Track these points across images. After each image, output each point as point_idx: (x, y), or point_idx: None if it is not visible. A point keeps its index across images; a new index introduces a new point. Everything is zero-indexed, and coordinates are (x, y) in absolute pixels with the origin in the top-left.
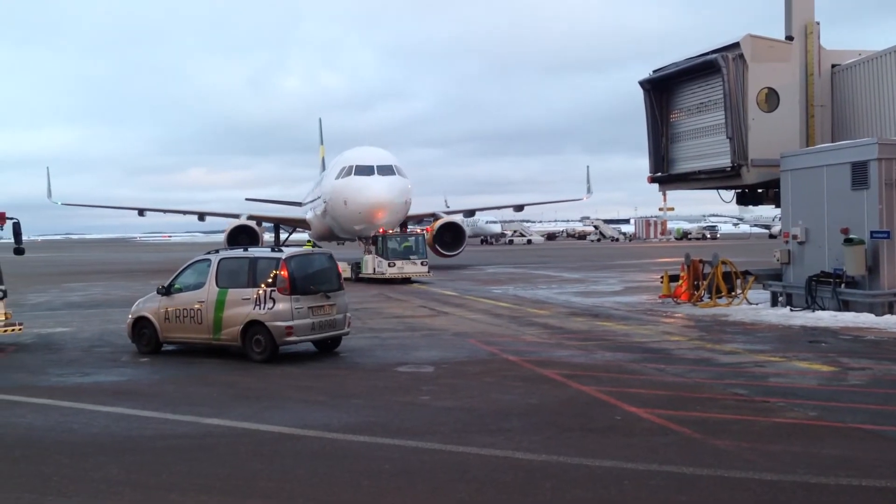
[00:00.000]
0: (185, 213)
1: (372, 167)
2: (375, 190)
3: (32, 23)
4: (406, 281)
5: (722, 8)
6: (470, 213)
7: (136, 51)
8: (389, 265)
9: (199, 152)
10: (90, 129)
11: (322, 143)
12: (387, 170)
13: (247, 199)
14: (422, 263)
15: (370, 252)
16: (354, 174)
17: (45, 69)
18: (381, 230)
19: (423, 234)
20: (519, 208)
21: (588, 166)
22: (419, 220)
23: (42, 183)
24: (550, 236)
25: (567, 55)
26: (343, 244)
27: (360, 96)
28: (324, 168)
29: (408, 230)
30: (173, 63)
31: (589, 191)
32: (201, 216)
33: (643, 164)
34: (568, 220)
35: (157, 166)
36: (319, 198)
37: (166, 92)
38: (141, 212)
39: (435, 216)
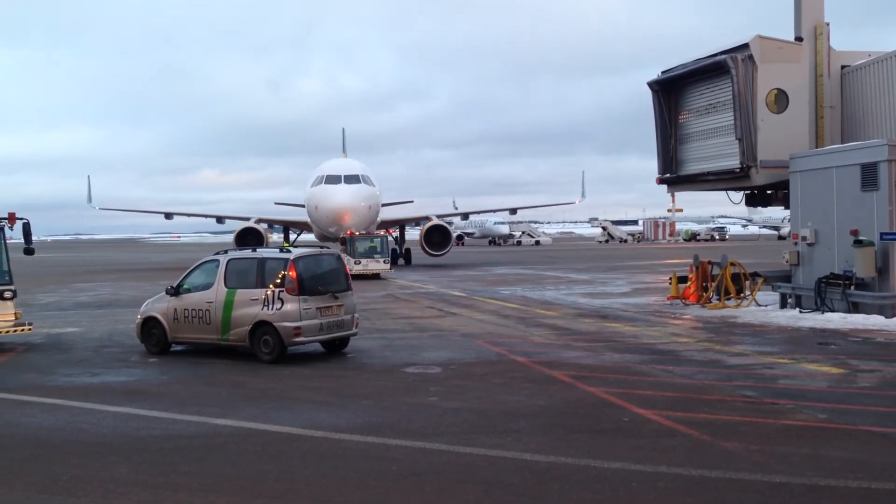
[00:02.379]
0: (205, 216)
1: (340, 176)
2: (340, 196)
3: (45, 24)
4: (376, 277)
5: (741, 9)
6: (465, 216)
7: (156, 53)
8: (356, 263)
9: (215, 153)
10: (108, 131)
11: (344, 150)
12: (353, 179)
13: (276, 203)
14: (384, 262)
15: (343, 251)
16: (324, 183)
17: (64, 71)
18: (354, 232)
19: (387, 236)
20: (513, 212)
21: (584, 171)
22: (416, 222)
23: (53, 184)
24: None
25: (584, 57)
26: None
27: (378, 97)
28: None
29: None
30: (192, 65)
31: (583, 195)
32: (220, 219)
33: (654, 165)
34: (576, 222)
35: (173, 167)
36: None
37: (184, 93)
38: (168, 215)
39: (427, 218)
